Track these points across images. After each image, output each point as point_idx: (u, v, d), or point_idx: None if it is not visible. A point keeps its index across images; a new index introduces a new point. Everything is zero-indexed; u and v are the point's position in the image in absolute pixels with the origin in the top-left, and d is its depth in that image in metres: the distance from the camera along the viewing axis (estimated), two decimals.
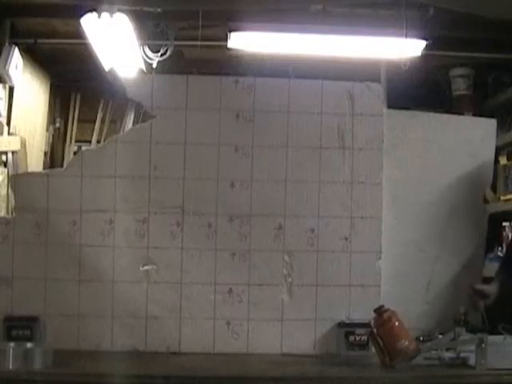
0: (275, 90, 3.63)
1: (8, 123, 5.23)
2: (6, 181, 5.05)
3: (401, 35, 4.42)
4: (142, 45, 4.96)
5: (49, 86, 6.25)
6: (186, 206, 3.54)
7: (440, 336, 3.22)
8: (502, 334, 3.17)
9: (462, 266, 3.78)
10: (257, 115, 3.60)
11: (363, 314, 3.50)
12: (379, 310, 3.19)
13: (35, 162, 5.92)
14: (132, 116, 6.53)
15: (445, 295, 3.73)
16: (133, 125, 6.26)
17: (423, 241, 3.74)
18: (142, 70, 5.09)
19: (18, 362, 2.90)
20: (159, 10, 4.60)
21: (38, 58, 5.79)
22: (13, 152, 5.32)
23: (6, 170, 5.18)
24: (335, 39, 4.70)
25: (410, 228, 3.73)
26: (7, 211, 4.96)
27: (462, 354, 3.11)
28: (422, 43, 4.66)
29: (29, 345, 3.07)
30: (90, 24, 4.25)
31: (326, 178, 3.61)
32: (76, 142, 6.69)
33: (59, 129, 6.69)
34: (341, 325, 3.51)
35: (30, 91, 5.75)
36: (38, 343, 3.13)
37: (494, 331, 3.27)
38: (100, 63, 5.05)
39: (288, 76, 4.59)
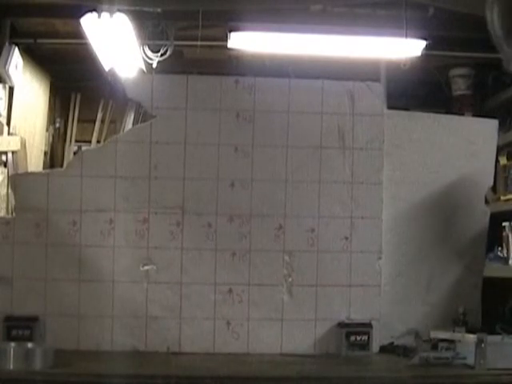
0: (275, 90, 3.63)
1: (8, 123, 5.23)
2: (5, 181, 5.04)
3: (401, 35, 4.42)
4: (142, 45, 4.96)
5: (49, 86, 6.25)
6: (186, 206, 3.54)
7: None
8: (499, 333, 3.17)
9: (463, 266, 3.77)
10: (257, 115, 3.60)
11: (363, 314, 3.50)
12: None
13: (35, 162, 5.91)
14: (132, 116, 6.52)
15: (445, 295, 3.73)
16: (133, 125, 6.26)
17: (423, 241, 3.74)
18: (142, 70, 5.08)
19: (19, 362, 2.90)
20: (159, 10, 4.60)
21: (37, 58, 5.79)
22: (13, 152, 5.31)
23: (6, 170, 5.18)
24: (335, 39, 4.70)
25: (410, 228, 3.73)
26: (7, 211, 4.96)
27: (462, 354, 3.11)
28: (422, 43, 4.66)
29: (29, 345, 3.07)
30: (90, 24, 4.25)
31: (326, 177, 3.61)
32: (76, 142, 6.67)
33: (59, 129, 6.68)
34: (341, 325, 3.51)
35: (30, 91, 5.75)
36: (38, 343, 3.13)
37: (492, 331, 3.27)
38: (100, 63, 5.05)
39: (288, 76, 4.59)
